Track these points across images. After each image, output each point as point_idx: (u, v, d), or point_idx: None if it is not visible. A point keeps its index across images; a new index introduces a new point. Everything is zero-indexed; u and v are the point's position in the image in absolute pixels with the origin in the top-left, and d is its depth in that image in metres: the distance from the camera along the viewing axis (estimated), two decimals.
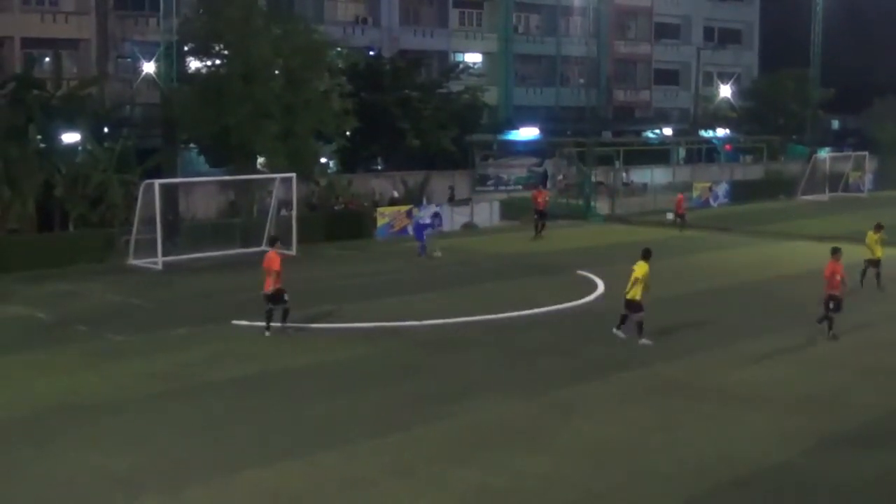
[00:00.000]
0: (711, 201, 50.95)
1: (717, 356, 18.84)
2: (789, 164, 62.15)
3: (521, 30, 66.85)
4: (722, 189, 52.70)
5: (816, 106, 64.23)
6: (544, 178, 48.95)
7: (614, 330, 19.77)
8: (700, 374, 17.60)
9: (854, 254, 24.34)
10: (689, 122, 70.34)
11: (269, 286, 20.02)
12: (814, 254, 31.86)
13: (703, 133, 68.46)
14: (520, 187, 48.39)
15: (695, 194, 50.00)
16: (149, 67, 45.63)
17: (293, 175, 32.93)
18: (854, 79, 70.34)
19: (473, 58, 64.11)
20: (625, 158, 53.04)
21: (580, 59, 61.31)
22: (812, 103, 63.28)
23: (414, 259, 31.64)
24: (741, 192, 53.46)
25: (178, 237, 31.73)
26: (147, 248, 29.48)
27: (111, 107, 39.25)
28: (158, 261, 29.15)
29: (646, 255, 19.82)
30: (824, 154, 59.61)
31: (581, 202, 45.47)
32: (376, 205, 40.04)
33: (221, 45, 34.24)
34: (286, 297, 20.18)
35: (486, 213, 42.32)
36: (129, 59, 49.27)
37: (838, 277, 19.93)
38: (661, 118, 71.83)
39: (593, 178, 46.60)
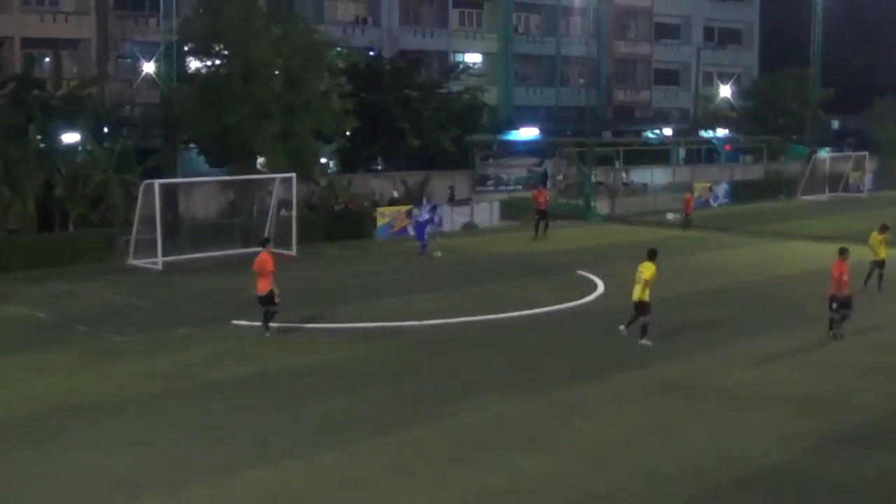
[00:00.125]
0: (711, 201, 50.94)
1: (717, 356, 18.84)
2: (789, 165, 62.16)
3: (521, 30, 66.87)
4: (722, 189, 52.70)
5: (816, 106, 64.25)
6: (544, 178, 48.94)
7: (621, 327, 19.71)
8: (700, 374, 17.60)
9: (855, 254, 24.29)
10: (689, 123, 70.34)
11: (264, 288, 19.95)
12: (814, 254, 31.93)
13: (703, 133, 68.46)
14: (520, 187, 48.40)
15: (695, 194, 49.92)
16: (149, 67, 45.64)
17: (293, 175, 32.93)
18: (854, 79, 70.36)
19: (473, 58, 64.13)
20: (625, 158, 53.03)
21: (580, 59, 61.31)
22: (812, 103, 63.29)
23: (414, 259, 31.64)
24: (741, 192, 53.46)
25: (178, 237, 31.74)
26: (147, 248, 29.49)
27: (111, 107, 39.24)
28: (158, 261, 29.16)
29: (652, 256, 19.58)
30: (824, 154, 59.62)
31: (581, 202, 45.49)
32: (376, 205, 40.05)
33: (221, 45, 34.25)
34: (277, 299, 20.07)
35: (486, 213, 42.32)
36: (129, 59, 49.28)
37: (846, 278, 19.90)
38: (661, 118, 71.85)
39: (593, 179, 46.60)
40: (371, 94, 44.92)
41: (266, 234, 23.41)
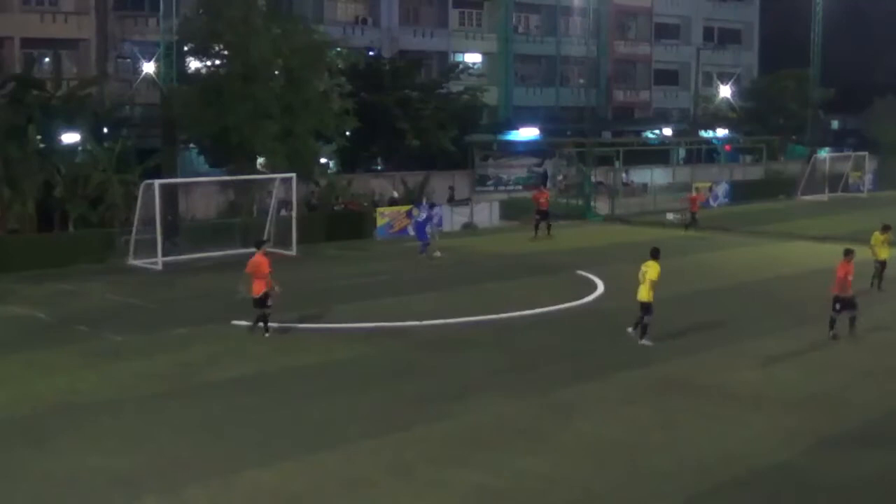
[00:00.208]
0: (711, 201, 50.90)
1: (717, 356, 18.84)
2: (789, 165, 62.20)
3: (520, 30, 66.83)
4: (722, 189, 52.70)
5: (816, 106, 64.30)
6: (544, 178, 48.94)
7: (629, 329, 19.68)
8: (700, 374, 17.60)
9: (857, 254, 24.27)
10: (689, 123, 70.32)
11: (259, 290, 19.85)
12: (814, 254, 31.96)
13: (702, 133, 68.44)
14: (520, 187, 48.39)
15: (694, 195, 49.94)
16: (148, 67, 45.59)
17: (293, 175, 32.94)
18: (854, 79, 70.40)
19: (473, 58, 64.08)
20: (624, 158, 52.99)
21: (580, 60, 61.31)
22: (812, 103, 63.34)
23: (414, 259, 31.64)
24: (741, 192, 53.46)
25: (178, 237, 31.75)
26: (147, 248, 29.48)
27: (111, 107, 39.20)
28: (158, 261, 29.16)
29: (655, 255, 19.47)
30: (824, 154, 59.63)
31: (580, 202, 45.50)
32: (376, 205, 40.05)
33: (221, 45, 34.27)
34: (270, 302, 19.99)
35: (485, 213, 42.30)
36: (128, 60, 49.22)
37: (851, 279, 19.88)
38: (661, 118, 71.80)
39: (593, 179, 46.61)
40: (371, 95, 44.89)
41: (261, 237, 23.14)
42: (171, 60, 35.43)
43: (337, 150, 41.04)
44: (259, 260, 20.15)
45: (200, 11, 34.85)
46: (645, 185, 52.90)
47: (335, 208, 38.74)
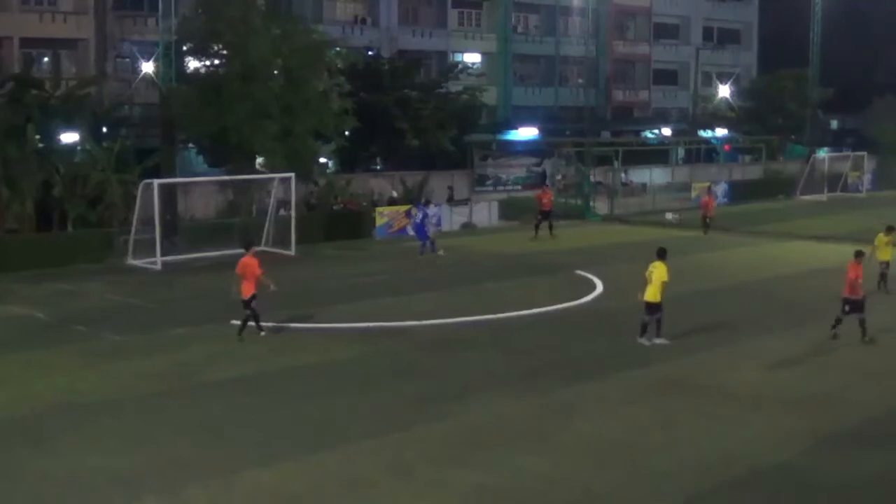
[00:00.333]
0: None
1: (717, 356, 18.83)
2: (788, 164, 62.20)
3: (519, 30, 66.86)
4: (721, 189, 52.69)
5: (815, 106, 64.33)
6: (543, 177, 48.94)
7: (640, 339, 19.54)
8: (700, 373, 17.59)
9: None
10: (688, 122, 70.36)
11: (248, 292, 19.67)
12: (813, 253, 31.98)
13: (701, 133, 68.48)
14: (519, 187, 48.41)
15: (693, 194, 49.99)
16: (147, 67, 45.58)
17: (292, 175, 32.91)
18: (853, 79, 70.47)
19: (472, 58, 64.09)
20: (623, 158, 53.00)
21: (579, 59, 61.38)
22: (811, 103, 63.37)
23: (413, 258, 31.63)
24: (740, 192, 53.49)
25: (177, 237, 31.72)
26: (146, 248, 29.46)
27: (110, 106, 39.20)
28: (157, 260, 29.14)
29: (662, 255, 19.36)
30: (823, 154, 59.64)
31: (579, 202, 45.49)
32: (375, 205, 40.04)
33: (220, 45, 34.25)
34: (254, 304, 19.76)
35: (484, 212, 42.29)
36: (127, 59, 49.20)
37: (860, 281, 19.82)
38: (660, 118, 71.83)
39: (592, 178, 46.60)
40: (370, 94, 44.89)
41: (251, 237, 22.72)
42: (170, 60, 35.38)
43: (336, 150, 41.03)
44: (247, 261, 19.95)
45: (199, 11, 34.83)
46: (644, 185, 52.90)
47: (334, 208, 38.72)
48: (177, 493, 11.98)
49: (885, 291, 24.80)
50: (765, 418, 15.01)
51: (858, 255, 20.23)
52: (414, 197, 40.50)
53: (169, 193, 32.05)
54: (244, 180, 34.57)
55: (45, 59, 45.77)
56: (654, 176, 53.75)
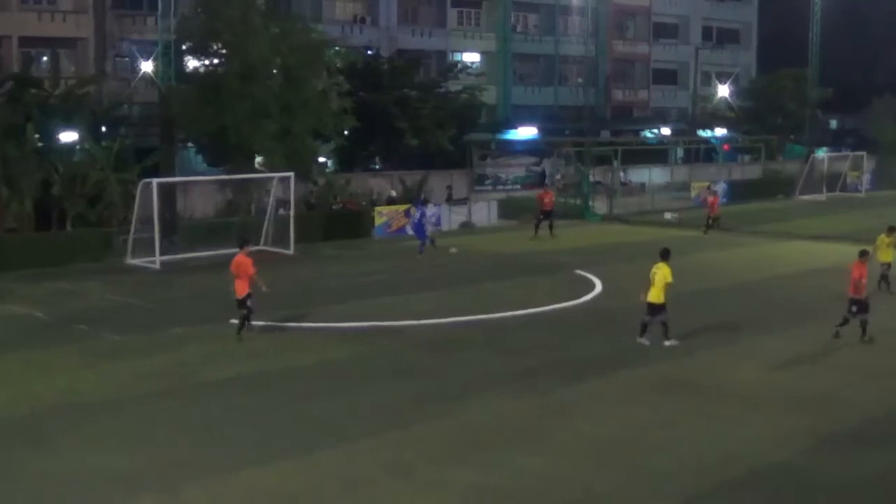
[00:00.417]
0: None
1: (717, 356, 18.81)
2: (787, 164, 62.20)
3: (519, 29, 66.87)
4: (720, 189, 52.65)
5: (814, 106, 64.38)
6: (543, 177, 48.94)
7: (639, 339, 19.57)
8: (700, 373, 17.57)
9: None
10: (688, 122, 70.36)
11: (242, 291, 19.54)
12: (812, 253, 31.97)
13: (701, 133, 68.50)
14: (518, 187, 48.41)
15: (693, 194, 49.99)
16: (147, 66, 45.56)
17: (291, 174, 32.91)
18: (852, 78, 70.48)
19: (472, 57, 64.09)
20: (623, 158, 53.00)
21: (579, 59, 61.45)
22: (810, 103, 63.41)
23: (412, 258, 31.62)
24: (739, 191, 53.51)
25: (176, 236, 31.70)
26: (145, 248, 29.45)
27: (109, 106, 39.18)
28: (156, 260, 29.14)
29: (665, 256, 19.27)
30: (822, 154, 59.64)
31: (579, 202, 45.49)
32: (374, 204, 40.03)
33: (219, 44, 34.26)
34: (250, 303, 19.64)
35: (484, 212, 42.28)
36: (126, 58, 49.20)
37: (865, 281, 19.79)
38: (660, 118, 71.85)
39: (591, 178, 46.59)
40: (369, 94, 44.90)
41: (246, 236, 22.57)
42: (170, 59, 35.37)
43: (335, 150, 41.04)
44: (241, 260, 19.82)
45: (199, 10, 34.85)
46: (643, 185, 52.88)
47: (333, 207, 38.72)
48: (176, 493, 11.96)
49: (889, 292, 24.72)
50: (765, 418, 14.99)
51: (863, 254, 20.19)
52: (413, 196, 40.49)
53: (168, 193, 32.03)
54: (243, 180, 34.57)
55: (45, 58, 45.65)
56: (654, 176, 53.73)
